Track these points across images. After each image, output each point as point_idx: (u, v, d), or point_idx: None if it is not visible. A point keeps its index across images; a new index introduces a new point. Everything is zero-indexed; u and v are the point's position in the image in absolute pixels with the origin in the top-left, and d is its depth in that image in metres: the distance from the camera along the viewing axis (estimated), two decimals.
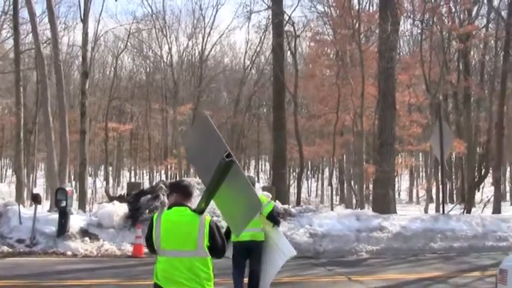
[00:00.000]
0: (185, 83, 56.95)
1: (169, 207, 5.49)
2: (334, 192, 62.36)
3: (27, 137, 43.25)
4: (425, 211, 27.21)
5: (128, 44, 48.63)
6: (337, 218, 16.75)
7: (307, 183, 58.27)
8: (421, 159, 52.40)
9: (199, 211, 5.31)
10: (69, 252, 14.64)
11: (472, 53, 38.09)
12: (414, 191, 54.21)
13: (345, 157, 40.80)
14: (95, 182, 51.32)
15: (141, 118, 59.72)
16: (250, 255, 9.00)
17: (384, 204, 19.82)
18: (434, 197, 52.57)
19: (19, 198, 21.84)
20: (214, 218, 6.40)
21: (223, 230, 6.02)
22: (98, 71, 56.44)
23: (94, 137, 50.57)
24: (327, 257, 15.28)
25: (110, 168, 62.17)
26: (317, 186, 59.86)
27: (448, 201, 30.87)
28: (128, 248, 15.21)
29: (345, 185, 42.32)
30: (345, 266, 13.81)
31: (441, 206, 18.76)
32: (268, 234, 9.03)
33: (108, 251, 15.06)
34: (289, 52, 28.63)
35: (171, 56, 54.95)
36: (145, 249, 14.72)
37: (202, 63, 54.83)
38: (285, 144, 24.48)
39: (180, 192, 5.58)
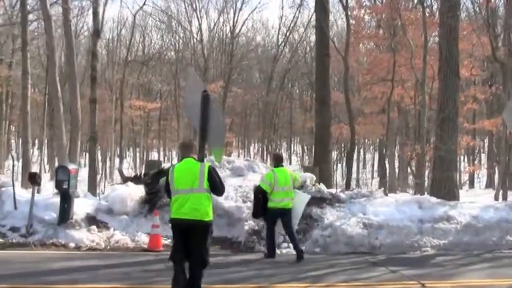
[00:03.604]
0: (215, 60, 55.06)
1: (180, 161, 7.71)
2: (371, 176, 59.91)
3: (47, 114, 41.31)
4: (496, 198, 24.16)
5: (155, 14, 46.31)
6: (396, 205, 13.84)
7: (341, 166, 55.23)
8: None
9: (200, 159, 7.75)
10: (71, 244, 12.00)
11: None
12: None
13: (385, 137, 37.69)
14: (120, 162, 49.29)
15: (170, 97, 57.53)
16: (282, 218, 11.44)
17: (446, 189, 16.82)
18: (476, 181, 49.38)
19: (22, 179, 19.25)
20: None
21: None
22: (124, 47, 54.23)
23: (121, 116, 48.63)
24: (384, 252, 12.49)
25: (138, 149, 60.42)
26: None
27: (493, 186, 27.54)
28: (143, 239, 12.54)
29: (387, 167, 39.35)
30: (410, 267, 10.99)
31: None
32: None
33: (119, 243, 12.38)
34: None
35: (201, 32, 52.84)
36: (164, 241, 12.19)
37: (233, 40, 52.92)
38: (330, 117, 21.14)
39: (183, 148, 7.90)
